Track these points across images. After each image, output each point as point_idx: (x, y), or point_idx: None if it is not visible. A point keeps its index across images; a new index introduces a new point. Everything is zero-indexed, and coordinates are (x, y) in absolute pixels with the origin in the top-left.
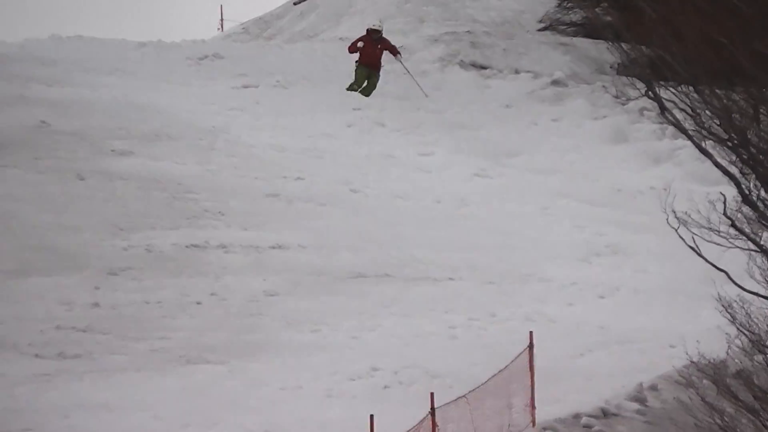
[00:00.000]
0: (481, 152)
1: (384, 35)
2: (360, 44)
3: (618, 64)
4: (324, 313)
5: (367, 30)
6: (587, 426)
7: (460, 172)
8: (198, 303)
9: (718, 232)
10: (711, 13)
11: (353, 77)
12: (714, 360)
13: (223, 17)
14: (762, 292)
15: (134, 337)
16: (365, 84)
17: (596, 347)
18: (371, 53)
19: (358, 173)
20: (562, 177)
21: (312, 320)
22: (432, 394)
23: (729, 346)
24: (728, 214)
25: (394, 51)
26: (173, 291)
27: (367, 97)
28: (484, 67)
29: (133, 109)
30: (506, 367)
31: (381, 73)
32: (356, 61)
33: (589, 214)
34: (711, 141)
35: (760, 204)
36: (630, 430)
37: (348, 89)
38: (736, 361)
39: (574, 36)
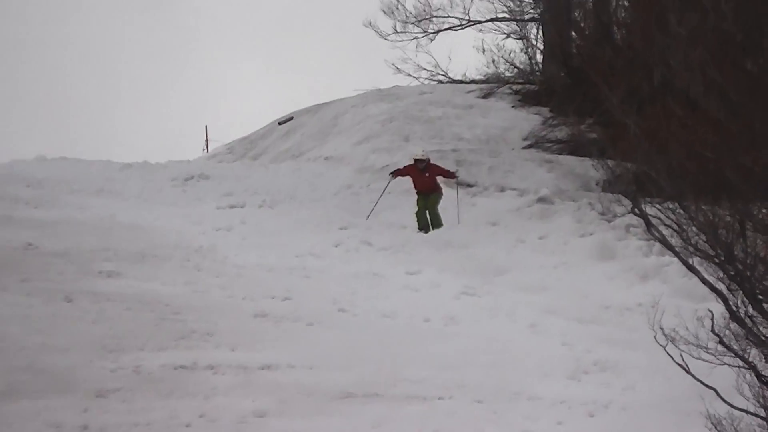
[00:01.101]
0: (468, 270)
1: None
2: (401, 173)
3: (603, 180)
4: None
5: (414, 160)
6: None
7: (448, 290)
8: (187, 425)
9: (707, 348)
10: (695, 128)
11: (383, 192)
12: None
13: (208, 138)
14: (751, 409)
15: None
16: (429, 218)
17: None
18: (422, 182)
19: (346, 292)
20: (550, 294)
21: None
22: None
23: None
24: (716, 330)
25: (448, 174)
26: (162, 413)
27: (438, 229)
28: (470, 185)
29: (120, 229)
30: None
31: (442, 192)
32: (392, 179)
33: (577, 332)
34: (698, 257)
35: (747, 320)
36: None
37: (420, 229)
38: None
39: (559, 153)
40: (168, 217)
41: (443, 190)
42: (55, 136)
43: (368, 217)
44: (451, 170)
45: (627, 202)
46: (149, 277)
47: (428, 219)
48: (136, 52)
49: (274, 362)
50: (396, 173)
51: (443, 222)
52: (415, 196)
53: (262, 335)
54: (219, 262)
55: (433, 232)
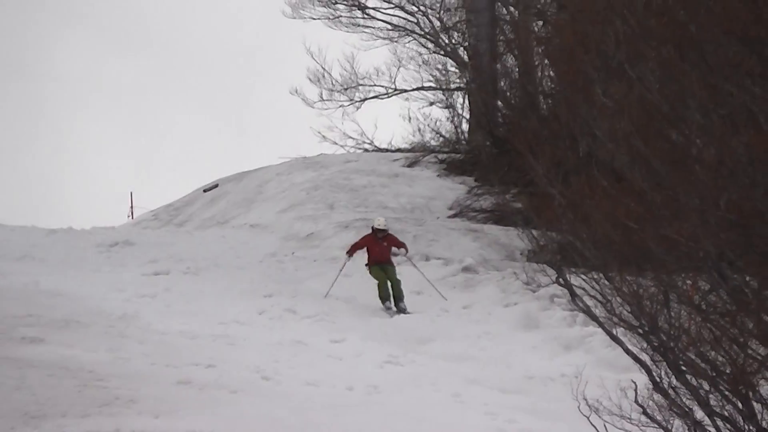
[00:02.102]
0: (393, 339)
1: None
2: (360, 246)
3: (528, 250)
4: None
5: (373, 228)
6: None
7: (371, 358)
8: None
9: (630, 419)
10: (620, 199)
11: (376, 289)
12: None
13: (133, 204)
14: None
15: None
16: (390, 287)
17: None
18: (379, 251)
19: (270, 360)
20: (474, 364)
21: None
22: None
23: None
24: (640, 401)
25: (399, 245)
26: None
27: (402, 301)
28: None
29: (43, 295)
30: None
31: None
32: (366, 265)
33: (500, 401)
34: (622, 328)
35: (671, 391)
36: None
37: (383, 303)
38: None
39: (484, 223)
40: (92, 283)
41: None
42: None
43: (326, 295)
44: (404, 243)
45: (551, 272)
46: (72, 344)
47: (390, 290)
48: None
49: (197, 430)
50: (353, 250)
51: (404, 294)
52: (368, 268)
53: (186, 402)
54: (142, 329)
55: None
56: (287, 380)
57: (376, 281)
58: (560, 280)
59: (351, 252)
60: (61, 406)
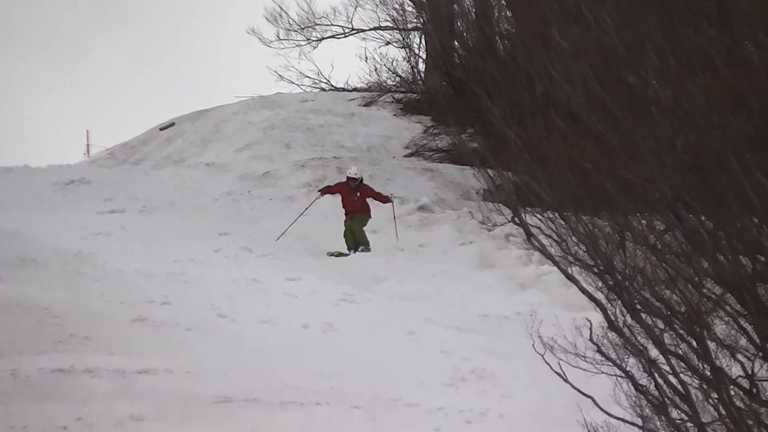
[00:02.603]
0: (348, 278)
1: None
2: (332, 191)
3: (484, 190)
4: None
5: (347, 177)
6: None
7: (327, 297)
8: (64, 428)
9: (585, 357)
10: (576, 141)
11: (304, 211)
12: None
13: (89, 142)
14: (628, 417)
15: None
16: (354, 238)
17: None
18: (350, 201)
19: (226, 298)
20: (430, 303)
21: None
22: None
23: None
24: (594, 339)
25: (381, 198)
26: (39, 416)
27: (364, 248)
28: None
29: None
30: None
31: (371, 215)
32: (319, 197)
33: (455, 340)
34: (577, 267)
35: (626, 330)
36: None
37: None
38: None
39: (440, 162)
40: (48, 221)
41: (372, 213)
42: None
43: (278, 239)
44: (386, 195)
45: (507, 211)
46: (28, 282)
47: (354, 240)
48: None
49: (152, 367)
50: (325, 190)
51: (370, 242)
52: (344, 217)
53: (141, 340)
54: (98, 267)
55: (360, 255)
56: (243, 318)
57: (343, 229)
58: (516, 219)
59: (323, 191)
60: (17, 344)
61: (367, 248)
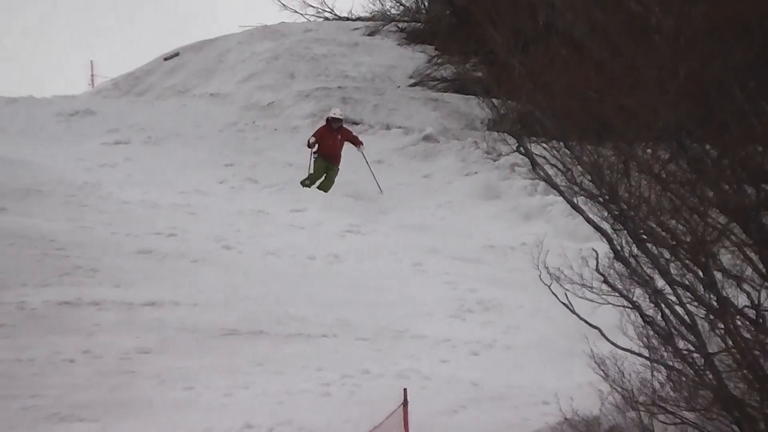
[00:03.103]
0: (353, 209)
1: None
2: (312, 139)
3: (488, 119)
4: (197, 371)
5: (327, 119)
6: None
7: (332, 228)
8: (71, 361)
9: (591, 288)
10: (579, 69)
11: (310, 169)
12: (587, 417)
13: (94, 73)
14: (634, 348)
15: (6, 396)
16: (323, 179)
17: (470, 404)
18: (331, 144)
19: (231, 230)
20: (434, 233)
21: (185, 378)
22: None
23: (602, 403)
24: (600, 270)
25: (357, 142)
26: (45, 349)
27: (325, 192)
28: (355, 123)
29: (4, 165)
30: (380, 423)
31: (340, 166)
32: (314, 152)
33: (461, 271)
34: (582, 197)
35: (632, 260)
36: None
37: (302, 183)
38: (609, 417)
39: (444, 92)
40: (53, 152)
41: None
42: None
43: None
44: (361, 141)
45: (512, 141)
46: (33, 213)
47: (321, 183)
48: None
49: (158, 299)
50: (313, 143)
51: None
52: (315, 158)
53: (146, 272)
54: (103, 198)
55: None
56: (248, 249)
57: (312, 172)
58: (521, 148)
59: (312, 145)
60: (22, 276)
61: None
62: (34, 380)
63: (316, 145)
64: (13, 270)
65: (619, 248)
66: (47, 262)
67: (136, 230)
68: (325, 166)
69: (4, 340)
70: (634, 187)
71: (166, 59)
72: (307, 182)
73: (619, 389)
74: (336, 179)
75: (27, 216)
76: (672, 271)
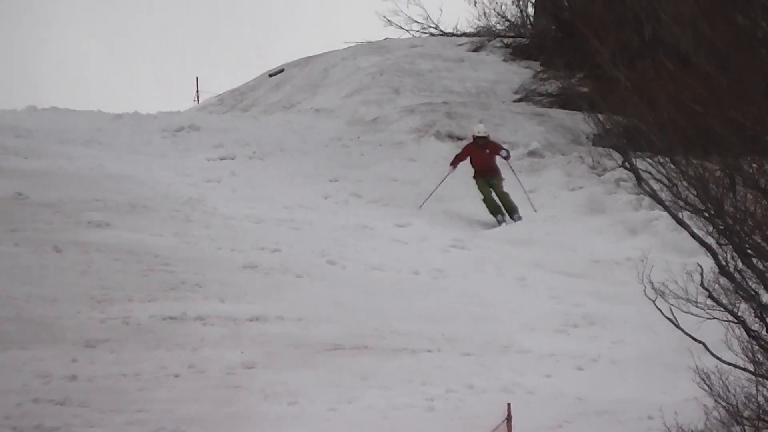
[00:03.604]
0: (457, 223)
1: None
2: (462, 158)
3: (593, 134)
4: (302, 386)
5: (474, 137)
6: None
7: (437, 243)
8: (176, 375)
9: (696, 303)
10: (685, 82)
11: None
12: (692, 431)
13: (199, 89)
14: (740, 363)
15: (112, 410)
16: (497, 201)
17: (575, 419)
18: (482, 159)
19: (335, 245)
20: (539, 248)
21: (290, 392)
22: None
23: (707, 418)
24: (705, 285)
25: (504, 155)
26: (151, 363)
27: (518, 215)
28: (460, 138)
29: (110, 180)
30: None
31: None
32: (473, 177)
33: (566, 285)
34: (687, 211)
35: (737, 275)
36: None
37: (496, 220)
38: None
39: (549, 107)
40: (158, 168)
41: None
42: (45, 87)
43: (421, 206)
44: (504, 147)
45: (617, 155)
46: (138, 228)
47: (498, 202)
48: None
49: (263, 314)
50: (456, 161)
51: (516, 204)
52: (475, 181)
53: (251, 287)
54: (208, 213)
55: (513, 224)
56: (352, 264)
57: (482, 196)
58: (626, 163)
59: (454, 163)
60: (127, 290)
61: (517, 215)
62: (140, 395)
63: (453, 167)
64: (119, 284)
65: (724, 263)
66: (153, 277)
67: (240, 245)
68: (487, 183)
69: (110, 355)
70: (739, 201)
71: (271, 75)
72: (495, 214)
73: (724, 404)
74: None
75: (133, 231)
76: None
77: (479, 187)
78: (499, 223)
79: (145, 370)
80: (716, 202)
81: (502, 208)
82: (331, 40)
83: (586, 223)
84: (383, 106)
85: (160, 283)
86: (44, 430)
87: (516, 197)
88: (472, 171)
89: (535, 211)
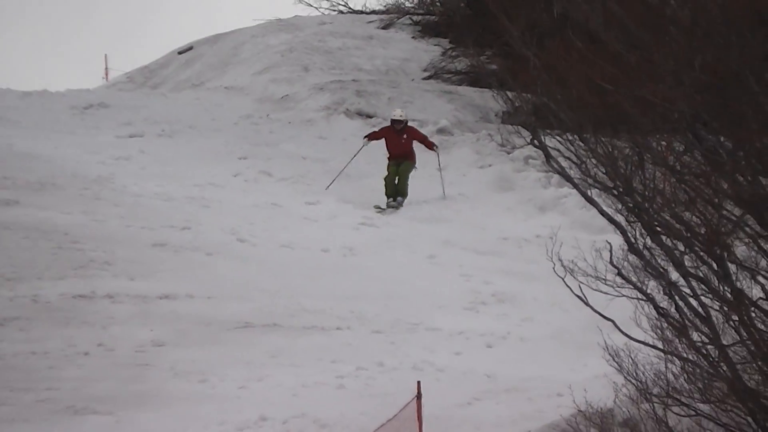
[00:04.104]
0: (367, 201)
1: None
2: (377, 137)
3: (503, 112)
4: (212, 363)
5: (391, 121)
6: None
7: (346, 221)
8: (85, 353)
9: (605, 280)
10: (595, 60)
11: (348, 162)
12: (601, 408)
13: (108, 66)
14: (649, 340)
15: (21, 388)
16: (396, 183)
17: (484, 396)
18: (397, 144)
19: (245, 223)
20: (449, 226)
21: (200, 370)
22: None
23: (616, 395)
24: (614, 262)
25: (429, 144)
26: (60, 341)
27: (402, 200)
28: (369, 116)
29: (18, 158)
30: (395, 416)
31: (416, 164)
32: (365, 142)
33: (475, 263)
34: (596, 189)
35: (646, 252)
36: None
37: (375, 208)
38: (623, 409)
39: (459, 84)
40: (67, 145)
41: (416, 162)
42: None
43: (328, 187)
44: (432, 141)
45: (526, 133)
46: (47, 206)
47: (395, 186)
48: None
49: (173, 292)
50: (371, 136)
51: (408, 192)
52: (387, 161)
53: (161, 265)
54: (117, 191)
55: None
56: (263, 242)
57: (385, 174)
58: (535, 141)
59: (369, 137)
60: (36, 269)
61: (402, 201)
62: (49, 373)
63: (368, 140)
64: (28, 263)
65: (633, 240)
66: (62, 255)
67: (150, 223)
68: (396, 164)
69: (19, 333)
70: (648, 179)
71: (180, 53)
72: (387, 197)
73: (634, 381)
74: (410, 181)
75: (41, 209)
76: (686, 263)
77: (387, 166)
78: (386, 206)
79: (54, 348)
80: (625, 180)
81: (396, 194)
82: (241, 17)
83: (495, 200)
84: (293, 83)
85: (69, 261)
86: None
87: (432, 181)
88: (387, 152)
89: (444, 197)
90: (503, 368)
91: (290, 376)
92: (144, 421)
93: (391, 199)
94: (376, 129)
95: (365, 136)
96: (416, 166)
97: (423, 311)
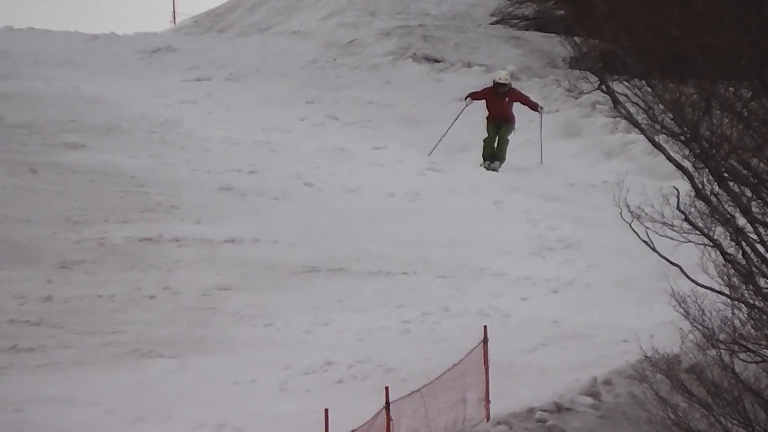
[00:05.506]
0: (433, 146)
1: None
2: (477, 98)
3: (570, 57)
4: (277, 308)
5: (494, 82)
6: (541, 420)
7: (412, 166)
8: (151, 297)
9: (672, 226)
10: (661, 6)
11: (452, 124)
12: (667, 355)
13: (176, 10)
14: (715, 286)
15: (87, 331)
16: (494, 148)
17: (550, 342)
18: (498, 107)
19: (311, 167)
20: (515, 171)
21: (265, 314)
22: (387, 389)
23: (682, 341)
24: (681, 208)
25: (533, 105)
26: (126, 285)
27: (499, 164)
28: (436, 61)
29: (85, 102)
30: (460, 361)
31: (515, 125)
32: (467, 103)
33: (541, 209)
34: (664, 135)
35: (713, 198)
36: (584, 425)
37: (483, 165)
38: (690, 355)
39: (525, 30)
40: (133, 89)
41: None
42: (23, 6)
43: (431, 153)
44: (537, 102)
45: (594, 78)
46: (114, 150)
47: (494, 149)
48: None
49: (239, 236)
50: (473, 96)
51: (507, 156)
52: (486, 121)
53: (227, 209)
54: (184, 135)
55: (493, 171)
56: (329, 187)
57: (485, 135)
58: (603, 86)
59: (471, 97)
60: (102, 212)
61: (499, 165)
62: (115, 316)
63: (470, 99)
64: (95, 206)
65: (700, 186)
66: (128, 198)
67: (216, 167)
68: (495, 125)
69: (85, 276)
70: (715, 125)
71: None
72: (485, 159)
73: (700, 327)
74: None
75: (108, 153)
76: (753, 209)
77: (487, 127)
78: (485, 167)
79: (120, 291)
80: (692, 126)
81: (494, 156)
82: None
83: (562, 146)
84: (359, 28)
85: (135, 205)
86: (19, 351)
87: (531, 143)
88: (485, 112)
89: (541, 163)
90: (569, 314)
91: (355, 321)
92: (209, 365)
93: (488, 162)
94: (476, 90)
95: (466, 96)
96: (515, 126)
97: (488, 256)
